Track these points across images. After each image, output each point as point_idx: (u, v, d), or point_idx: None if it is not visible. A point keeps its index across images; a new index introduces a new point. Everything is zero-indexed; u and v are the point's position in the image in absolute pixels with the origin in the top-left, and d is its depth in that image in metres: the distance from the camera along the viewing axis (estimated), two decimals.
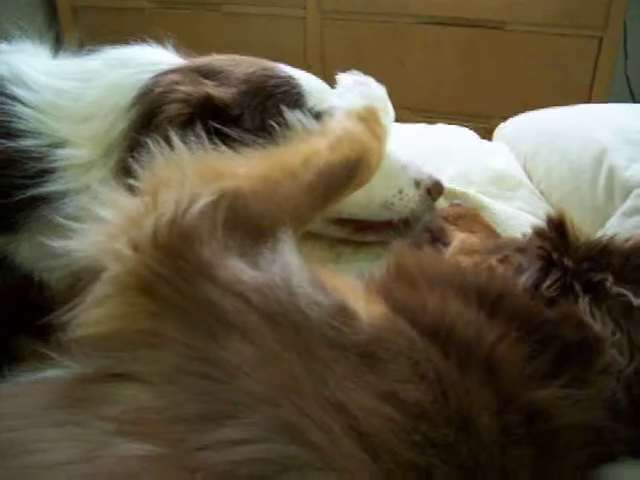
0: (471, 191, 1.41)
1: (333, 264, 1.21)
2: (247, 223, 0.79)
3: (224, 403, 0.62)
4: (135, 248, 0.73)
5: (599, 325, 0.77)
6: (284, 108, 1.05)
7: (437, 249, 1.11)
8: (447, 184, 1.34)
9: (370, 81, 1.21)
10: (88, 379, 0.69)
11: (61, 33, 3.52)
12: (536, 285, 0.82)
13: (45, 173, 0.95)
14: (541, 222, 0.94)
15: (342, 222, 1.20)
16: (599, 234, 1.19)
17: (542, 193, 1.56)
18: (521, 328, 0.74)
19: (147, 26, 3.38)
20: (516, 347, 0.72)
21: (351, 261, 1.22)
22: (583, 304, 0.79)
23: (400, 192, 1.18)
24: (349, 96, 1.15)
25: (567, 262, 0.83)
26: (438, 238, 1.15)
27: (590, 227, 1.31)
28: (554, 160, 1.55)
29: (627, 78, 3.37)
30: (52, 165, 0.96)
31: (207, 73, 1.07)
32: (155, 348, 0.67)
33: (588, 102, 3.07)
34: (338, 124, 1.05)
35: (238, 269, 0.72)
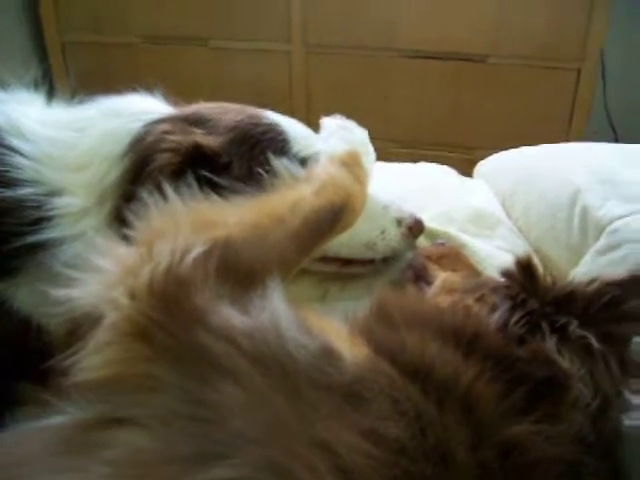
0: (452, 230, 1.44)
1: (320, 303, 1.25)
2: (238, 270, 0.82)
3: (215, 444, 0.64)
4: (132, 296, 0.76)
5: (566, 362, 0.80)
6: (271, 155, 1.09)
7: (420, 288, 1.15)
8: (429, 223, 1.39)
9: (352, 125, 1.26)
10: (89, 425, 0.71)
11: (50, 69, 3.56)
12: (505, 324, 0.86)
13: (42, 221, 0.98)
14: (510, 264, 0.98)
15: (327, 259, 1.23)
16: (571, 274, 1.25)
17: (520, 230, 1.60)
18: (495, 367, 0.77)
19: (135, 61, 3.50)
20: (491, 385, 0.75)
21: (337, 299, 1.26)
22: (550, 343, 0.82)
23: (382, 232, 1.22)
24: (332, 141, 1.19)
25: (532, 303, 0.88)
26: (421, 276, 1.19)
27: (565, 264, 1.37)
28: (532, 199, 1.60)
29: (606, 107, 3.43)
30: (49, 213, 0.99)
31: (196, 121, 1.11)
32: (151, 392, 0.70)
33: (568, 131, 3.17)
34: (322, 170, 1.09)
35: (229, 315, 0.75)
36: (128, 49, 3.59)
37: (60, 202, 1.00)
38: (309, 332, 0.75)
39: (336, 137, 1.21)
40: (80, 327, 0.80)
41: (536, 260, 0.94)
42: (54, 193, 1.01)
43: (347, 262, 1.26)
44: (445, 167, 1.94)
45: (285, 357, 0.71)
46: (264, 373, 0.70)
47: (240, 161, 1.08)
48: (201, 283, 0.78)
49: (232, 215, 0.90)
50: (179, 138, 1.04)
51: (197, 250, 0.80)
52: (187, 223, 0.85)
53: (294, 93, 3.43)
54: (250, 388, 0.69)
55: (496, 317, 0.87)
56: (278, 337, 0.73)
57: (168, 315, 0.74)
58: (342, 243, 1.17)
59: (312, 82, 3.40)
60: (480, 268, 1.27)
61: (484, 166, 2.04)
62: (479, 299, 0.95)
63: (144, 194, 0.90)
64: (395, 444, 0.67)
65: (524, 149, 1.94)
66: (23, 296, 0.99)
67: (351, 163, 1.13)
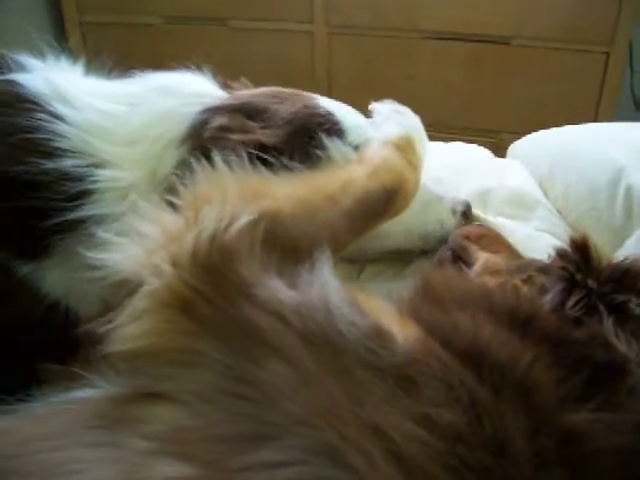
0: (489, 214, 1.43)
1: (354, 281, 1.23)
2: (285, 244, 0.80)
3: (263, 424, 0.62)
4: (174, 264, 0.74)
5: (624, 346, 0.77)
6: (327, 143, 1.08)
7: (459, 268, 1.13)
8: None
9: (406, 110, 1.24)
10: (123, 399, 0.69)
11: (70, 50, 3.53)
12: (560, 305, 0.82)
13: (84, 195, 0.95)
14: (563, 243, 0.94)
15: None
16: (618, 255, 1.21)
17: (559, 212, 1.56)
18: (552, 350, 0.74)
19: (155, 42, 3.46)
20: (549, 370, 0.71)
21: (374, 280, 1.24)
22: (608, 325, 0.79)
23: (442, 224, 1.25)
24: (386, 125, 1.18)
25: (591, 283, 0.84)
26: (460, 257, 1.17)
27: (608, 247, 1.32)
28: (571, 178, 1.56)
29: (633, 93, 3.37)
30: (92, 186, 0.95)
31: (252, 113, 1.09)
32: (192, 367, 0.68)
33: (595, 116, 3.11)
34: (376, 153, 1.07)
35: (277, 289, 0.72)
36: (148, 30, 3.58)
37: (106, 174, 0.97)
38: (359, 310, 0.72)
39: (390, 122, 1.19)
40: (112, 309, 0.76)
41: (592, 239, 0.89)
42: (99, 165, 0.98)
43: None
44: (478, 147, 1.91)
45: (335, 335, 0.69)
46: (313, 351, 0.67)
47: (299, 152, 1.06)
48: (247, 253, 0.75)
49: (282, 189, 0.88)
50: (242, 137, 1.02)
51: (244, 219, 0.77)
52: (235, 192, 0.82)
53: (316, 74, 3.40)
54: (298, 367, 0.66)
55: (549, 298, 0.83)
56: (327, 314, 0.70)
57: (212, 286, 0.72)
58: (395, 235, 1.20)
59: (335, 63, 3.37)
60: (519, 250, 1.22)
61: (518, 147, 2.00)
62: (526, 280, 0.91)
63: (193, 162, 0.87)
64: (450, 431, 0.64)
65: (559, 129, 1.89)
66: (54, 279, 0.96)
67: (405, 148, 1.11)
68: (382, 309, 0.79)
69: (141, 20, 3.55)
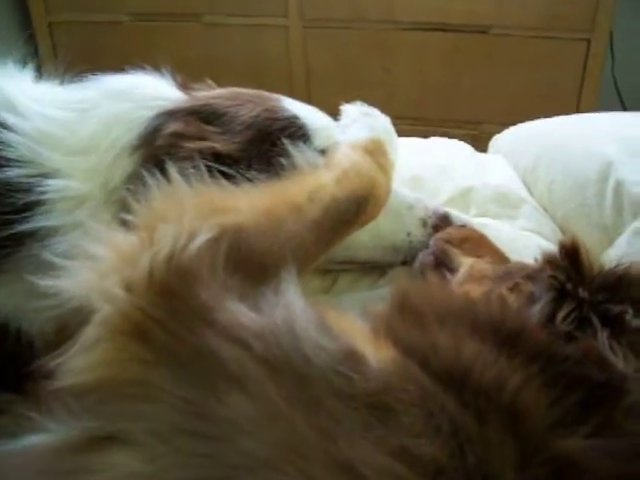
0: (472, 214, 1.39)
1: (326, 293, 1.18)
2: (249, 261, 0.75)
3: (222, 467, 0.58)
4: (128, 288, 0.69)
5: (621, 361, 0.71)
6: (291, 149, 1.02)
7: (441, 274, 1.09)
8: (446, 206, 1.33)
9: (375, 112, 1.20)
10: (75, 446, 0.64)
11: (38, 50, 3.48)
12: (550, 318, 0.77)
13: (33, 206, 0.90)
14: (551, 245, 0.89)
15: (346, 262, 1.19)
16: (610, 256, 1.16)
17: (545, 209, 1.52)
18: (543, 370, 0.68)
19: (124, 40, 3.40)
20: (539, 392, 0.66)
21: (348, 290, 1.18)
22: (602, 339, 0.73)
23: (408, 235, 1.18)
24: (354, 128, 1.13)
25: (582, 293, 0.78)
26: (442, 263, 1.12)
27: (597, 246, 1.29)
28: (556, 174, 1.51)
29: (615, 81, 3.35)
30: (42, 197, 0.91)
31: (209, 117, 1.04)
32: (147, 402, 0.63)
33: (577, 105, 3.09)
34: (344, 157, 1.02)
35: (239, 312, 0.67)
36: (117, 28, 3.51)
37: (56, 184, 0.93)
38: (328, 332, 0.68)
39: (358, 124, 1.15)
40: (68, 327, 0.73)
41: (583, 244, 0.84)
42: (50, 175, 0.93)
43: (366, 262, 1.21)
44: (458, 142, 1.85)
45: (302, 362, 0.64)
46: (278, 381, 0.63)
47: (259, 160, 1.01)
48: (207, 274, 0.70)
49: (244, 201, 0.83)
50: (196, 146, 0.97)
51: (204, 236, 0.73)
52: (194, 207, 0.78)
53: (293, 69, 3.36)
54: (262, 400, 0.61)
55: (537, 309, 0.78)
56: (293, 338, 0.65)
57: (169, 311, 0.67)
58: (364, 246, 1.15)
59: (311, 57, 3.33)
60: (504, 251, 1.18)
61: (500, 140, 1.96)
62: (513, 288, 0.86)
63: (147, 176, 0.83)
64: (430, 465, 0.59)
65: (543, 120, 1.86)
66: (3, 297, 0.91)
67: (375, 151, 1.07)
68: (354, 329, 0.74)
69: (109, 18, 3.48)
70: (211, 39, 3.39)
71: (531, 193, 1.58)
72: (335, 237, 0.92)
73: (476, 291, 0.91)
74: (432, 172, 1.54)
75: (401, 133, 3.16)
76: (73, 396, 0.67)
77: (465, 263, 1.07)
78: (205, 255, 0.71)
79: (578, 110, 3.00)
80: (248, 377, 0.62)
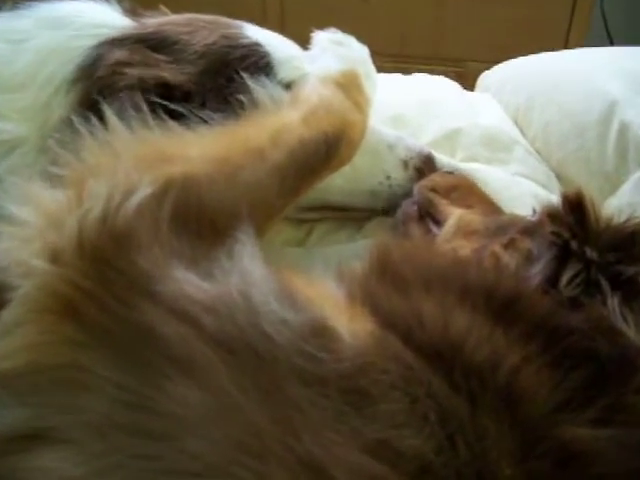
0: (460, 158, 1.31)
1: (300, 246, 1.10)
2: (200, 218, 0.68)
3: (163, 472, 0.51)
4: (53, 257, 0.61)
5: (634, 332, 0.65)
6: (251, 83, 0.93)
7: (427, 229, 1.01)
8: (432, 149, 1.25)
9: (350, 40, 1.10)
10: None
11: None
12: (552, 281, 0.70)
13: None
14: (551, 198, 0.83)
15: (317, 209, 1.11)
16: (612, 205, 1.08)
17: (539, 152, 1.45)
18: (544, 345, 0.62)
19: None
20: (540, 371, 0.60)
21: (323, 243, 1.10)
22: (613, 305, 0.66)
23: (388, 178, 1.09)
24: (325, 58, 1.04)
25: (590, 252, 0.71)
26: (428, 214, 1.04)
27: (598, 194, 1.21)
28: (552, 114, 1.44)
29: (604, 18, 3.31)
30: None
31: (159, 44, 0.95)
32: (80, 390, 0.56)
33: (565, 43, 3.02)
34: (312, 92, 0.94)
35: (186, 282, 0.60)
36: None
37: None
38: (293, 302, 0.61)
39: (330, 54, 1.05)
40: None
41: (589, 196, 0.77)
42: None
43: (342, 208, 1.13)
44: (444, 78, 1.77)
45: (261, 340, 0.57)
46: (231, 365, 0.55)
47: (214, 95, 0.93)
48: (148, 237, 0.63)
49: (195, 147, 0.75)
50: (141, 73, 0.89)
51: (144, 191, 0.64)
52: (134, 157, 0.70)
53: (268, 9, 3.23)
54: (213, 388, 0.54)
55: (537, 271, 0.71)
56: (250, 311, 0.58)
57: (103, 282, 0.60)
58: (341, 190, 1.06)
59: None
60: (496, 200, 1.11)
61: (489, 77, 1.88)
62: (508, 244, 0.80)
63: (77, 119, 0.75)
64: (415, 462, 0.52)
65: (535, 56, 1.78)
66: None
67: (349, 85, 0.99)
68: (325, 296, 0.66)
69: None
70: None
71: (524, 135, 1.51)
72: (302, 185, 0.85)
73: (466, 248, 0.85)
74: (415, 111, 1.45)
75: (382, 70, 3.06)
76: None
77: (453, 215, 0.99)
78: (145, 214, 0.63)
79: (566, 46, 2.96)
80: (196, 360, 0.55)
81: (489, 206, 1.04)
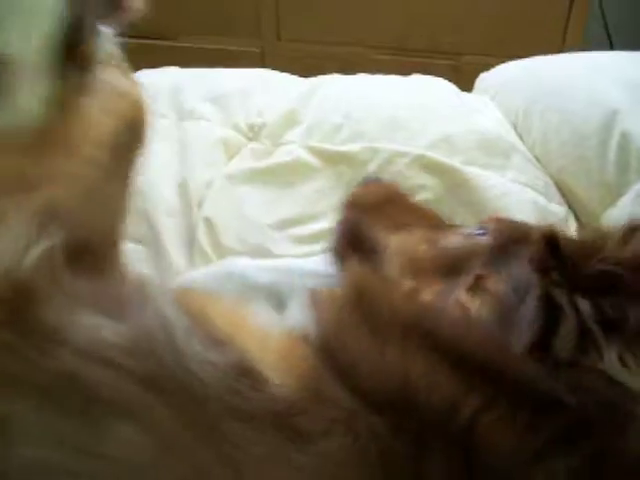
0: (456, 161, 1.27)
1: None
2: (87, 248, 0.66)
3: None
4: None
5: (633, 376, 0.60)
6: None
7: (363, 261, 0.84)
8: (428, 152, 1.28)
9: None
10: None
11: None
12: (539, 343, 0.62)
13: None
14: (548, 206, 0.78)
15: None
16: (612, 216, 1.06)
17: (538, 160, 1.41)
18: (514, 393, 0.57)
19: None
20: (509, 415, 0.55)
21: None
22: (609, 357, 0.61)
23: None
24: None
25: (583, 305, 0.64)
26: (358, 243, 0.91)
27: (597, 205, 1.20)
28: (552, 121, 1.40)
29: (602, 14, 3.24)
30: None
31: None
32: (13, 442, 0.52)
33: (563, 38, 2.98)
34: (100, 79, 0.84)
35: (99, 326, 0.57)
36: None
37: None
38: (214, 343, 0.59)
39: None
40: None
41: (569, 227, 0.73)
42: None
43: None
44: (441, 80, 1.73)
45: (190, 379, 0.55)
46: (167, 404, 0.54)
47: None
48: (49, 287, 0.60)
49: (33, 162, 0.70)
50: None
51: (39, 247, 0.61)
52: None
53: None
54: (154, 427, 0.53)
55: (522, 335, 0.63)
56: (174, 352, 0.56)
57: (21, 334, 0.57)
58: None
59: None
60: (490, 210, 1.09)
61: (487, 79, 1.84)
62: (474, 287, 0.72)
63: None
64: None
65: (536, 59, 1.73)
66: None
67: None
68: (251, 330, 0.65)
69: None
70: None
71: (523, 141, 1.48)
72: (128, 177, 0.81)
73: (424, 292, 0.75)
74: (412, 112, 1.43)
75: (380, 64, 3.03)
76: None
77: (390, 242, 0.87)
78: (42, 263, 0.61)
79: (563, 43, 2.95)
80: (131, 402, 0.54)
81: (432, 220, 0.95)
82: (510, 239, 0.77)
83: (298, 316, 0.70)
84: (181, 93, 1.52)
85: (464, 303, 0.70)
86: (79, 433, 0.52)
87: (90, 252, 0.66)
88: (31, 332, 0.56)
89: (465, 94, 1.71)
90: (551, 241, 0.71)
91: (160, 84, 1.55)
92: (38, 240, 0.61)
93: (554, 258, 0.69)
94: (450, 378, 0.57)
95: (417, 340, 0.60)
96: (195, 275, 1.07)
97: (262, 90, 1.58)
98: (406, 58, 3.03)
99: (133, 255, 1.14)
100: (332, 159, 1.32)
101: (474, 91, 1.86)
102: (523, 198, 1.21)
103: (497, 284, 0.70)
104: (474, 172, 1.26)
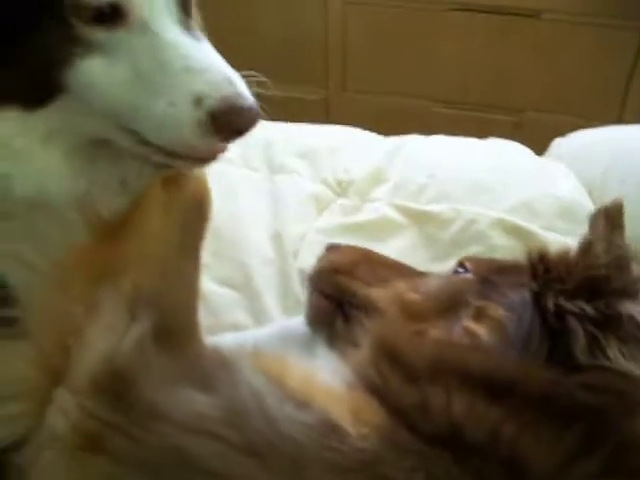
0: (536, 225, 1.33)
1: None
2: (173, 330, 0.73)
3: None
4: (74, 391, 0.66)
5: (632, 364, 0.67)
6: None
7: (348, 318, 0.91)
8: (509, 215, 1.34)
9: None
10: None
11: None
12: (551, 354, 0.70)
13: None
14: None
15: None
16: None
17: None
18: (540, 408, 0.64)
19: None
20: (539, 433, 0.62)
21: None
22: (614, 354, 0.67)
23: (171, 105, 0.76)
24: None
25: (579, 307, 0.71)
26: (344, 302, 0.94)
27: None
28: (629, 192, 1.41)
29: None
30: None
31: None
32: None
33: (624, 99, 2.97)
34: None
35: (194, 401, 0.63)
36: None
37: None
38: (299, 404, 0.64)
39: None
40: None
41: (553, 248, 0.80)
42: None
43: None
44: (518, 145, 1.78)
45: (285, 443, 0.60)
46: (268, 469, 0.58)
47: None
48: (144, 369, 0.67)
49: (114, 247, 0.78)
50: None
51: (132, 335, 0.68)
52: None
53: (330, 45, 3.26)
54: None
55: (533, 350, 0.71)
56: (266, 419, 0.61)
57: (123, 414, 0.63)
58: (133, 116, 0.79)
59: (350, 33, 3.23)
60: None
61: (563, 146, 1.87)
62: (477, 316, 0.77)
63: None
64: None
65: (612, 128, 1.77)
66: None
67: None
68: (324, 391, 0.69)
69: None
70: (245, 9, 3.33)
71: None
72: (199, 250, 0.86)
73: (431, 330, 0.79)
74: (494, 176, 1.50)
75: (440, 117, 3.07)
76: None
77: (379, 296, 0.90)
78: (137, 349, 0.67)
79: (624, 104, 2.94)
80: (236, 471, 0.59)
81: (404, 271, 0.99)
82: (490, 271, 0.83)
83: (329, 365, 0.77)
84: (271, 147, 1.60)
85: (472, 330, 0.75)
86: None
87: (173, 329, 0.73)
88: (134, 413, 0.62)
89: (541, 159, 1.76)
90: (542, 257, 0.78)
91: (250, 138, 1.62)
92: (129, 327, 0.69)
93: (547, 272, 0.76)
94: (485, 408, 0.63)
95: (447, 378, 0.66)
96: (258, 334, 1.11)
97: (348, 147, 1.65)
98: (466, 112, 3.09)
99: (229, 300, 1.22)
100: (417, 217, 1.38)
101: (547, 155, 1.90)
102: None
103: (496, 310, 0.76)
104: (553, 238, 1.30)
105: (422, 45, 3.13)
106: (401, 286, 0.90)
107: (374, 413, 0.65)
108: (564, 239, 1.30)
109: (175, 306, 0.75)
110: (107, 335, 0.68)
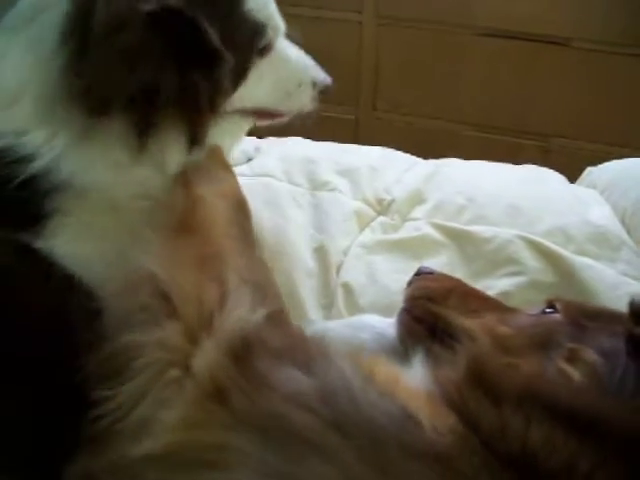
0: (567, 251, 1.37)
1: None
2: (277, 315, 0.83)
3: None
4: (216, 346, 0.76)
5: None
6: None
7: (440, 341, 0.95)
8: (544, 239, 1.37)
9: None
10: None
11: None
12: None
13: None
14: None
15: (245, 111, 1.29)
16: None
17: None
18: (619, 448, 0.66)
19: None
20: (616, 472, 0.64)
21: None
22: None
23: (300, 85, 1.29)
24: None
25: None
26: (436, 329, 0.99)
27: None
28: None
29: None
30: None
31: None
32: (226, 470, 0.66)
33: None
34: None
35: (297, 380, 0.72)
36: None
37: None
38: (384, 393, 0.71)
39: None
40: None
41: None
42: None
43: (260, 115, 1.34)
44: (551, 171, 1.84)
45: (369, 425, 0.67)
46: (351, 445, 0.65)
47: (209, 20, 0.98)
48: (261, 348, 0.77)
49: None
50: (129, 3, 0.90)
51: (255, 318, 0.80)
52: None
53: (363, 66, 3.33)
54: (341, 465, 0.64)
55: (627, 391, 0.75)
56: (354, 402, 0.69)
57: (245, 377, 0.72)
58: (264, 92, 1.25)
59: (382, 56, 3.30)
60: (598, 301, 1.17)
61: (596, 174, 1.90)
62: (571, 358, 0.81)
63: None
64: None
65: None
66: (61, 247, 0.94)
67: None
68: (405, 389, 0.75)
69: None
70: None
71: (630, 237, 1.53)
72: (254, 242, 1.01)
73: (524, 365, 0.84)
74: (529, 202, 1.54)
75: (469, 140, 3.09)
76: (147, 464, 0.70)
77: (471, 326, 0.96)
78: (261, 325, 0.79)
79: None
80: (323, 442, 0.65)
81: (494, 305, 1.04)
82: (582, 315, 0.88)
83: (417, 374, 0.82)
84: (312, 164, 1.66)
85: (566, 372, 0.79)
86: (281, 465, 0.64)
87: (281, 311, 0.83)
88: (250, 376, 0.71)
89: (575, 186, 1.81)
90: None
91: (292, 155, 1.73)
92: (256, 306, 0.79)
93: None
94: (564, 439, 0.66)
95: (532, 408, 0.69)
96: (330, 325, 1.20)
97: (387, 167, 1.71)
98: (494, 136, 3.13)
99: None
100: (456, 236, 1.42)
101: (580, 182, 1.93)
102: (632, 291, 1.19)
103: (590, 355, 0.79)
104: (586, 263, 1.34)
105: (452, 68, 3.19)
106: (492, 319, 0.96)
107: (450, 418, 0.70)
108: (596, 264, 1.35)
109: (275, 292, 0.87)
110: (243, 308, 0.79)
